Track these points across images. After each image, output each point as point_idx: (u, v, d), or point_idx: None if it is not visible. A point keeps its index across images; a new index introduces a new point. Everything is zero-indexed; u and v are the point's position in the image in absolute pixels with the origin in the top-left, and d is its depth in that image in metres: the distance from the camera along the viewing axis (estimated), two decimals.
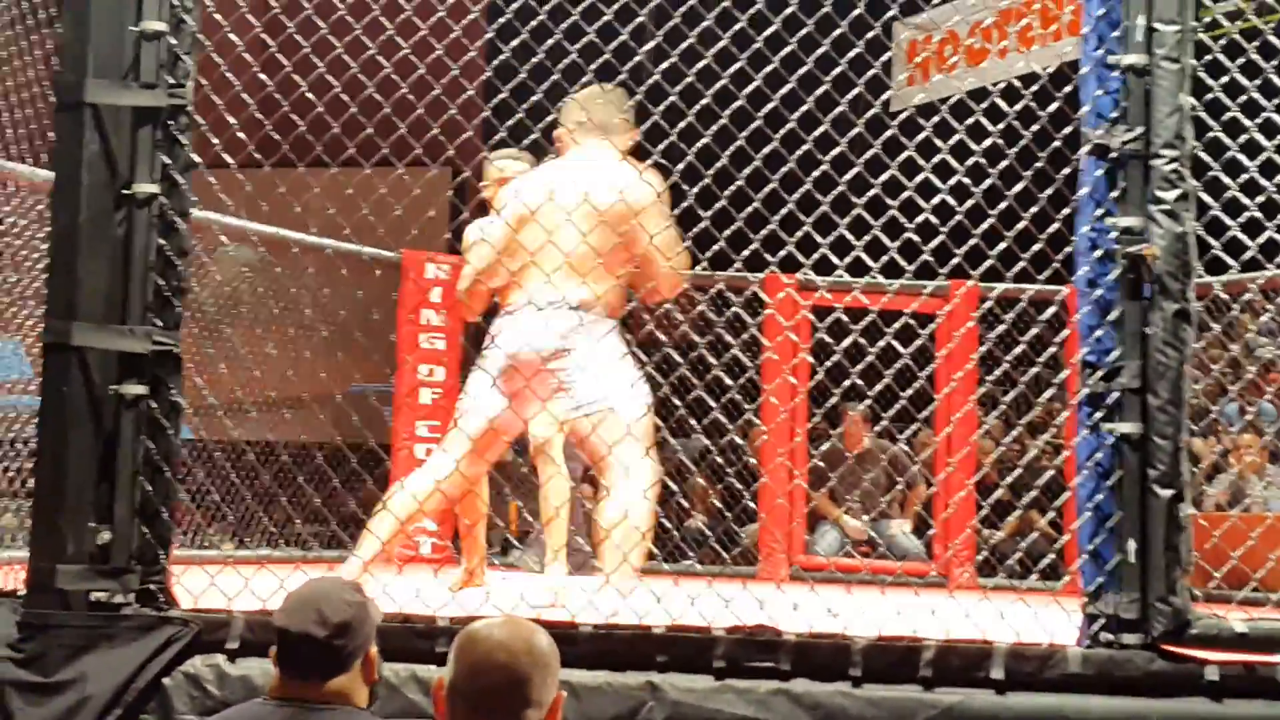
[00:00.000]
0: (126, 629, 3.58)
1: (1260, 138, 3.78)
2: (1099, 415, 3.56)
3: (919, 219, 4.09)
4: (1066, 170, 3.81)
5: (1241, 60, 3.85)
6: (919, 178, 3.96)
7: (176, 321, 3.77)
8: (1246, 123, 3.77)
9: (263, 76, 4.10)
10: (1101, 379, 3.57)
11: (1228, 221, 3.78)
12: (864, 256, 4.11)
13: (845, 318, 4.32)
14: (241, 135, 4.02)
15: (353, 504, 6.84)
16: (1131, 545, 3.50)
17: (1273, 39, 3.96)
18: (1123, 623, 3.51)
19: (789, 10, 4.03)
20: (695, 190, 4.02)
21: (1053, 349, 4.76)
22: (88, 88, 3.73)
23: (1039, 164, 3.88)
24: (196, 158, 3.85)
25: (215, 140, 3.98)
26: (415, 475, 4.73)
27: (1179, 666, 3.49)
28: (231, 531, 6.82)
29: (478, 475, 5.03)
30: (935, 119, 3.98)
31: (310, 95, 4.00)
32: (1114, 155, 3.58)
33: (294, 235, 6.77)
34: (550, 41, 4.07)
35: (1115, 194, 3.59)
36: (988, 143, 3.91)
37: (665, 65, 4.12)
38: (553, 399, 4.53)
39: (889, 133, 4.15)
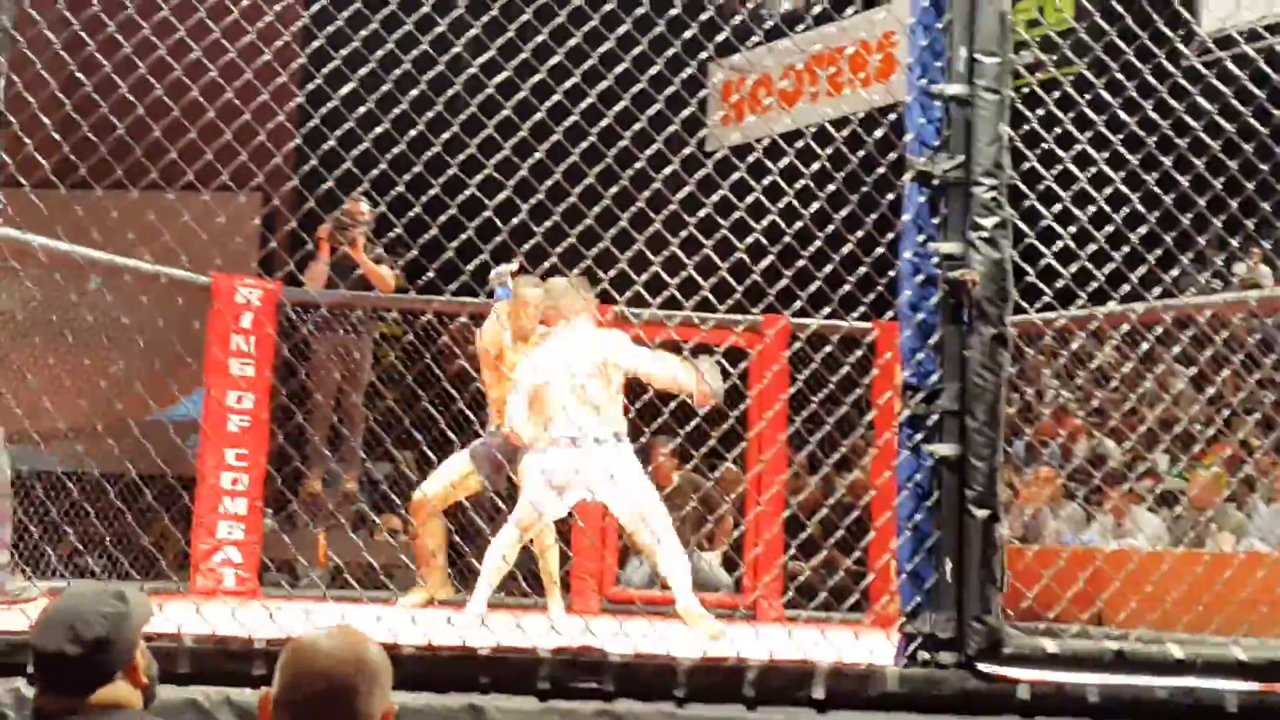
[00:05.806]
0: None
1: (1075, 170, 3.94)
2: (919, 437, 3.64)
3: (735, 256, 4.14)
4: (890, 197, 3.90)
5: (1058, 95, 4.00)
6: (734, 215, 4.00)
7: None
8: (1061, 153, 3.92)
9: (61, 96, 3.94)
10: (922, 401, 3.65)
11: (1043, 250, 3.92)
12: (678, 294, 4.17)
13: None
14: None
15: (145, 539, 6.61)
16: (948, 565, 3.57)
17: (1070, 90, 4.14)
18: (939, 641, 3.58)
19: (607, 45, 4.05)
20: (516, 220, 4.00)
21: (858, 390, 4.85)
22: None
23: (862, 192, 3.96)
24: None
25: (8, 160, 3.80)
26: None
27: (993, 685, 3.56)
28: (15, 566, 6.46)
29: None
30: (751, 157, 4.03)
31: (113, 117, 3.87)
32: (936, 182, 3.68)
33: (95, 255, 6.47)
34: (363, 70, 4.01)
35: (937, 220, 3.69)
36: (801, 183, 3.98)
37: (480, 98, 4.10)
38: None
39: (703, 171, 4.20)
